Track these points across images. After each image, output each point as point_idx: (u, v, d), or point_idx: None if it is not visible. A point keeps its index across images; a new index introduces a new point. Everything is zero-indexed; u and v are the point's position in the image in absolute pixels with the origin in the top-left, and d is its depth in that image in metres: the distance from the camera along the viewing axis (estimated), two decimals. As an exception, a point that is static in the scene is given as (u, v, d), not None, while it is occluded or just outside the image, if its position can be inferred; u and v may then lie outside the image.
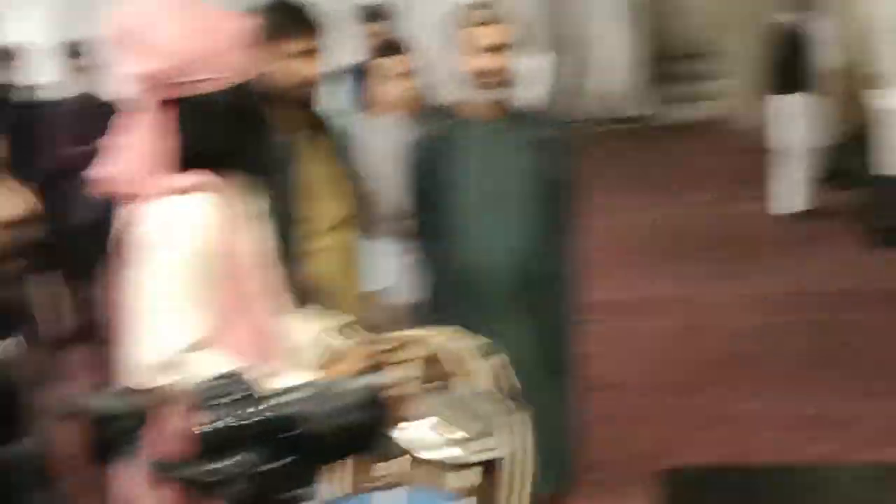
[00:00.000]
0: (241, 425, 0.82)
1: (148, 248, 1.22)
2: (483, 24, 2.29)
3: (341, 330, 1.55)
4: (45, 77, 5.00)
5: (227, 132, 1.29)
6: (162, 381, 1.21)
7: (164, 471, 0.86)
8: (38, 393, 1.13)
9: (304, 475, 0.87)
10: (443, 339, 1.59)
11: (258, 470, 0.81)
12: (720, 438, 3.43)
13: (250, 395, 0.83)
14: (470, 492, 1.39)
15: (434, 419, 1.42)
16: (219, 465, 0.81)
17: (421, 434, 1.38)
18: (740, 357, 4.17)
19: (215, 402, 0.82)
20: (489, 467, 1.40)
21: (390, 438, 0.97)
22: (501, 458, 1.39)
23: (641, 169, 7.53)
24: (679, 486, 2.95)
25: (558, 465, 2.21)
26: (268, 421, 0.82)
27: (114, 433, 0.86)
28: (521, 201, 2.34)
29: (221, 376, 0.87)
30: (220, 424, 0.81)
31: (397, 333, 1.65)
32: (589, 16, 9.75)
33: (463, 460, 1.40)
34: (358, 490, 1.46)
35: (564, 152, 2.52)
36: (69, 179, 3.52)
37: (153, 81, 1.22)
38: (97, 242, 1.89)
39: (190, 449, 0.82)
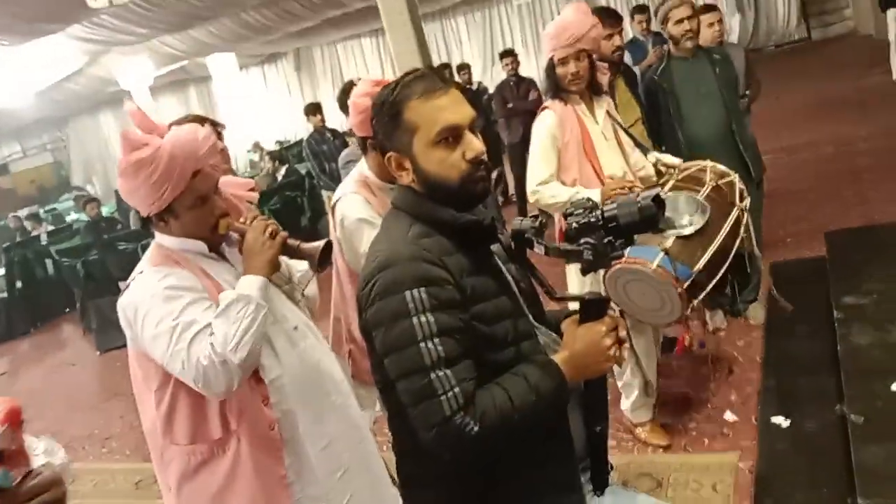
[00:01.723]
0: (589, 222, 1.36)
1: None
2: (677, 6, 3.48)
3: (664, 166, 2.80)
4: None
5: None
6: (533, 198, 2.81)
7: (551, 252, 1.40)
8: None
9: (622, 245, 1.38)
10: (703, 165, 2.69)
11: (600, 243, 1.35)
12: (871, 212, 4.76)
13: (593, 208, 1.38)
14: (665, 250, 2.44)
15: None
16: (577, 244, 1.36)
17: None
18: (872, 169, 5.74)
19: (576, 211, 1.39)
20: (688, 238, 2.49)
21: (661, 224, 1.39)
22: (697, 232, 2.46)
23: (799, 67, 11.38)
24: (841, 242, 4.09)
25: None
26: (601, 219, 1.35)
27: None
28: (714, 96, 3.53)
29: (580, 200, 1.41)
30: (580, 220, 1.37)
31: (685, 164, 2.79)
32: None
33: (669, 232, 2.46)
34: None
35: (746, 65, 4.12)
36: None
37: None
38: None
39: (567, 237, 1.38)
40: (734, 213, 2.53)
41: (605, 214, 1.41)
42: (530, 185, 2.86)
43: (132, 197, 1.76)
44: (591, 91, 2.91)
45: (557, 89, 2.88)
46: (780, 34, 15.45)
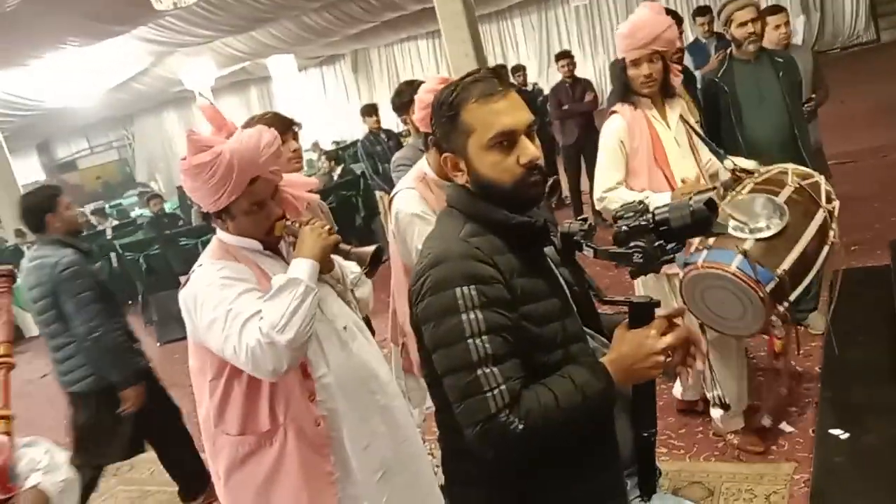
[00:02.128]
0: (640, 225, 1.35)
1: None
2: (740, 8, 3.43)
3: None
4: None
5: None
6: (600, 205, 2.74)
7: (600, 255, 1.40)
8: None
9: (674, 249, 1.36)
10: (783, 167, 2.58)
11: (650, 246, 1.33)
12: None
13: (644, 211, 1.36)
14: (744, 252, 2.31)
15: (738, 212, 2.40)
16: (627, 247, 1.34)
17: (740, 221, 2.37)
18: None
19: (627, 214, 1.37)
20: (768, 240, 2.34)
21: (714, 228, 1.37)
22: (777, 234, 2.34)
23: (867, 70, 11.03)
24: None
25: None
26: (652, 222, 1.34)
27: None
28: (777, 98, 3.46)
29: (630, 203, 1.40)
30: (630, 223, 1.35)
31: (765, 168, 2.66)
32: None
33: (746, 236, 2.35)
34: (694, 251, 2.42)
35: (814, 68, 4.03)
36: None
37: None
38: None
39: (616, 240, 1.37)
40: (820, 215, 2.43)
41: (657, 217, 1.39)
42: (597, 192, 2.82)
43: (194, 195, 1.84)
44: (664, 94, 2.83)
45: (627, 92, 2.80)
46: (846, 35, 14.99)
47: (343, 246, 1.92)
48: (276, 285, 1.76)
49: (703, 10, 6.26)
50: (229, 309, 1.73)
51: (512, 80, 8.29)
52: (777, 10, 4.23)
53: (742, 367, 3.01)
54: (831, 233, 2.43)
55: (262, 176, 1.81)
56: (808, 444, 2.88)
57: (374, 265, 1.95)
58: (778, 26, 4.09)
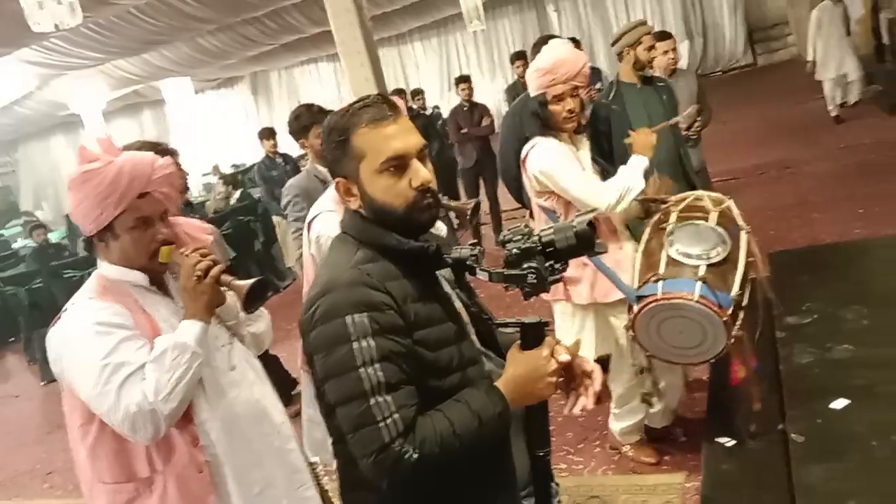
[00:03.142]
0: (529, 247, 1.39)
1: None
2: (648, 33, 3.64)
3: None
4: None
5: None
6: (618, 207, 2.64)
7: (494, 278, 1.41)
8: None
9: (562, 268, 1.41)
10: (697, 194, 2.75)
11: (542, 267, 1.38)
12: (813, 233, 5.03)
13: (530, 234, 1.42)
14: (702, 279, 2.41)
15: (685, 241, 2.47)
16: (520, 268, 1.38)
17: (674, 252, 2.44)
18: (813, 191, 6.21)
19: (515, 237, 1.42)
20: (716, 265, 2.43)
21: (596, 248, 1.44)
22: (722, 260, 2.43)
23: (746, 92, 11.72)
24: (785, 263, 3.95)
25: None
26: (540, 244, 1.40)
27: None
28: (666, 119, 3.46)
29: (515, 227, 1.44)
30: (521, 246, 1.39)
31: (676, 196, 2.77)
32: (712, 11, 15.55)
33: (699, 263, 2.42)
34: (644, 282, 2.51)
35: (699, 92, 4.31)
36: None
37: None
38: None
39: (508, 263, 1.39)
40: (744, 236, 2.57)
41: (544, 239, 1.44)
42: (601, 203, 2.67)
43: (77, 212, 1.73)
44: (577, 129, 2.88)
45: (548, 127, 2.80)
46: (727, 60, 16.03)
47: (225, 277, 1.82)
48: (162, 347, 1.67)
49: (520, 55, 6.68)
50: (105, 363, 1.63)
51: (412, 103, 8.42)
52: (665, 36, 4.46)
53: (678, 391, 3.14)
54: (755, 251, 2.57)
55: (151, 193, 1.74)
56: (698, 452, 2.99)
57: (254, 300, 1.81)
58: (666, 52, 4.32)
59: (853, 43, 8.98)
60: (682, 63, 15.10)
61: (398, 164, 1.41)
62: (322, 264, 1.52)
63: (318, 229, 2.50)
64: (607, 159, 3.56)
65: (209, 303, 1.76)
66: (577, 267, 2.76)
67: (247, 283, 1.79)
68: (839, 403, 2.69)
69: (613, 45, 3.67)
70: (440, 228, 2.72)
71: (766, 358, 3.24)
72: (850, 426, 2.57)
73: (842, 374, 2.87)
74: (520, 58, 6.59)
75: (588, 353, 2.94)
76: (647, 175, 3.32)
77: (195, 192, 14.09)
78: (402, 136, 1.42)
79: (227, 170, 14.05)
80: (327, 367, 1.36)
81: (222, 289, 1.82)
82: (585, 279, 2.80)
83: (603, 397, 3.43)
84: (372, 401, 1.31)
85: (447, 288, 1.53)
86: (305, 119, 3.43)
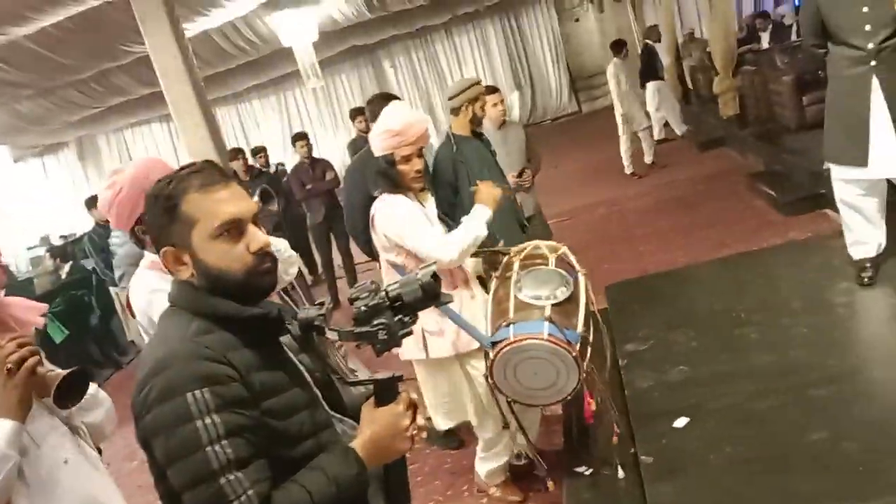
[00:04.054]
0: (377, 303, 1.41)
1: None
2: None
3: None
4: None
5: None
6: (459, 260, 2.71)
7: (344, 337, 1.44)
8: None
9: (411, 322, 1.43)
10: (534, 244, 2.87)
11: (391, 322, 1.40)
12: (641, 264, 5.50)
13: (376, 290, 1.44)
14: (549, 319, 2.50)
15: (531, 284, 2.59)
16: (370, 325, 1.40)
17: (522, 296, 2.57)
18: (639, 225, 6.73)
19: (362, 294, 1.43)
20: (560, 304, 2.56)
21: (442, 299, 1.46)
22: (566, 299, 2.57)
23: (573, 137, 12.43)
24: (620, 294, 4.47)
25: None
26: (387, 299, 1.42)
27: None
28: (496, 168, 3.78)
29: (362, 284, 1.46)
30: (369, 303, 1.41)
31: (515, 248, 2.87)
32: (538, 63, 16.52)
33: (545, 304, 2.53)
34: (496, 328, 2.59)
35: (527, 141, 4.44)
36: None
37: None
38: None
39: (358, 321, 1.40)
40: (581, 277, 2.74)
41: (391, 294, 1.47)
42: (442, 255, 2.69)
43: None
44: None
45: (396, 186, 2.83)
46: (554, 108, 17.18)
47: (40, 369, 1.63)
48: None
49: (359, 110, 6.71)
50: None
51: (254, 161, 8.29)
52: (493, 90, 4.69)
53: (536, 427, 3.19)
54: (590, 290, 2.73)
55: None
56: (561, 485, 3.09)
57: (67, 394, 1.61)
58: (496, 104, 4.52)
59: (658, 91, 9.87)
60: (515, 113, 16.18)
61: (234, 229, 1.38)
62: (153, 341, 1.43)
63: (132, 296, 2.29)
64: (453, 209, 3.69)
65: (21, 399, 1.59)
66: (436, 321, 2.80)
67: (59, 373, 1.62)
68: (680, 422, 2.89)
69: (451, 99, 3.80)
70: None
71: (613, 386, 3.43)
72: (691, 442, 2.76)
73: (679, 394, 3.10)
74: (359, 113, 6.64)
75: (446, 405, 2.99)
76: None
77: (22, 268, 13.00)
78: (235, 201, 1.39)
79: (57, 241, 13.08)
80: (169, 449, 1.28)
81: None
82: (445, 332, 2.85)
83: (467, 441, 3.49)
84: (223, 480, 1.25)
85: (290, 353, 1.50)
86: None
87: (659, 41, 10.59)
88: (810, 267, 4.03)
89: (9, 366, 1.57)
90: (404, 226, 2.82)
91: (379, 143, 2.83)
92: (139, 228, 2.17)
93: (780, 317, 3.51)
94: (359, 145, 7.36)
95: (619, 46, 9.09)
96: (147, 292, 2.15)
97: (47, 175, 18.46)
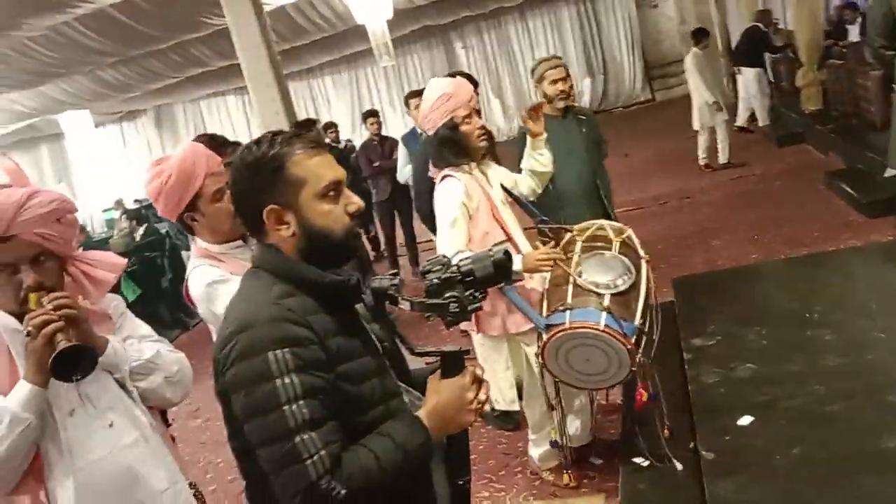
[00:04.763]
0: (449, 276, 1.44)
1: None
2: (553, 67, 3.76)
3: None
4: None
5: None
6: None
7: (416, 307, 1.47)
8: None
9: (482, 297, 1.47)
10: (599, 224, 2.85)
11: (463, 296, 1.43)
12: (712, 258, 5.38)
13: (448, 264, 1.47)
14: (607, 309, 2.50)
15: (589, 271, 2.57)
16: (441, 298, 1.44)
17: (582, 281, 2.54)
18: (711, 219, 6.54)
19: (435, 267, 1.48)
20: (621, 294, 2.55)
21: (513, 276, 1.60)
22: (629, 287, 2.55)
23: (649, 125, 12.28)
24: (687, 287, 4.40)
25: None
26: (459, 273, 1.46)
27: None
28: (581, 152, 3.77)
29: (435, 258, 1.50)
30: (441, 276, 1.45)
31: (579, 225, 2.89)
32: (612, 50, 16.31)
33: (604, 292, 2.52)
34: (552, 311, 2.61)
35: (599, 126, 4.06)
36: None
37: None
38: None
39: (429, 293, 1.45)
40: (644, 265, 2.67)
41: (462, 269, 1.49)
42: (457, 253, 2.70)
43: None
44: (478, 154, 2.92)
45: (461, 150, 2.82)
46: (627, 95, 16.82)
47: (59, 337, 1.55)
48: None
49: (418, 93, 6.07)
50: None
51: (325, 136, 8.39)
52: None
53: (588, 414, 3.20)
54: (651, 279, 2.67)
55: (17, 236, 1.62)
56: (615, 474, 3.06)
57: (64, 368, 1.54)
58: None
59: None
60: (586, 99, 15.95)
61: (335, 191, 1.44)
62: (236, 299, 1.47)
63: (191, 287, 2.22)
64: None
65: (38, 363, 1.56)
66: (488, 299, 2.78)
67: (62, 347, 1.55)
68: (745, 420, 2.82)
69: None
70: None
71: (675, 379, 3.37)
72: (755, 441, 2.70)
73: (746, 391, 3.02)
74: (416, 96, 5.99)
75: (503, 382, 2.99)
76: (566, 202, 3.44)
77: (97, 230, 13.51)
78: (334, 165, 1.46)
79: (131, 205, 13.55)
80: (248, 405, 1.32)
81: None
82: (497, 311, 2.86)
83: (522, 424, 3.48)
84: (297, 439, 1.28)
85: (363, 322, 1.52)
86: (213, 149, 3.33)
87: (769, 27, 10.15)
88: (890, 269, 3.87)
89: (29, 328, 1.56)
90: (439, 209, 2.87)
91: (436, 116, 2.83)
92: (189, 215, 2.16)
93: (856, 319, 3.39)
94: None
95: (700, 35, 8.80)
96: (204, 285, 2.12)
97: (125, 141, 19.13)
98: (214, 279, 2.10)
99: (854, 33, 10.41)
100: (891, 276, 3.81)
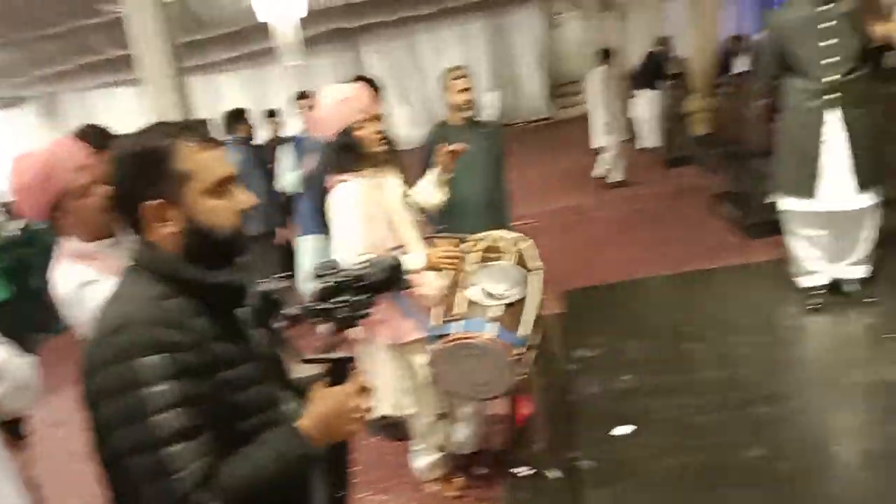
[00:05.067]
0: (340, 281, 1.43)
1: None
2: (458, 77, 3.75)
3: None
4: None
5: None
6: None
7: (304, 312, 1.44)
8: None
9: (371, 303, 1.45)
10: (496, 235, 2.82)
11: (353, 300, 1.42)
12: (601, 272, 5.41)
13: (339, 268, 1.45)
14: (497, 320, 2.51)
15: (484, 280, 2.56)
16: (331, 302, 1.42)
17: (473, 292, 2.54)
18: (602, 235, 6.76)
19: (325, 272, 1.45)
20: (512, 305, 2.52)
21: (404, 282, 1.52)
22: (520, 299, 2.53)
23: (548, 142, 12.50)
24: (576, 300, 4.60)
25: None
26: (351, 277, 1.44)
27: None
28: (484, 163, 3.80)
29: (325, 262, 1.48)
30: (332, 280, 1.43)
31: (476, 235, 2.82)
32: (517, 66, 16.62)
33: (494, 303, 2.52)
34: (443, 321, 2.58)
35: (502, 138, 4.04)
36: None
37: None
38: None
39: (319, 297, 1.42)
40: (537, 278, 2.68)
41: (354, 273, 1.47)
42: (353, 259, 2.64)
43: None
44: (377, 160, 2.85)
45: (359, 156, 2.76)
46: (530, 111, 17.27)
47: None
48: None
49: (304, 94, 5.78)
50: None
51: (236, 128, 8.14)
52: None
53: (474, 416, 3.18)
54: (543, 290, 2.69)
55: None
56: (499, 484, 3.10)
57: None
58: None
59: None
60: (491, 112, 16.20)
61: (225, 187, 1.38)
62: (110, 300, 1.38)
63: (56, 289, 2.10)
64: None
65: None
66: (380, 307, 2.76)
67: None
68: (623, 430, 2.93)
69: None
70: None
71: (559, 390, 3.46)
72: (632, 451, 2.80)
73: (625, 402, 3.14)
74: (304, 97, 5.70)
75: (393, 391, 2.98)
76: (467, 213, 3.50)
77: (-28, 221, 12.58)
78: (224, 161, 1.40)
79: (6, 198, 12.73)
80: (117, 413, 1.24)
81: None
82: (389, 319, 2.83)
83: (410, 433, 3.47)
84: (169, 449, 1.22)
85: (247, 325, 1.49)
86: (95, 142, 3.16)
87: (668, 52, 10.67)
88: (762, 289, 4.12)
89: None
90: (334, 219, 2.78)
91: (333, 121, 2.77)
92: (56, 214, 2.04)
93: (728, 335, 3.58)
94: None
95: (606, 55, 9.12)
96: (76, 287, 2.00)
97: (4, 129, 17.98)
98: (85, 280, 1.98)
99: (741, 64, 11.06)
100: (763, 295, 4.05)
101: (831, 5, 3.30)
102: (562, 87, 17.11)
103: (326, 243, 3.13)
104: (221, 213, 1.37)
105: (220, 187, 1.37)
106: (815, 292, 3.67)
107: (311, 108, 4.94)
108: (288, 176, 5.28)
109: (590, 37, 14.59)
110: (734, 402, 2.96)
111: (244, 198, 1.41)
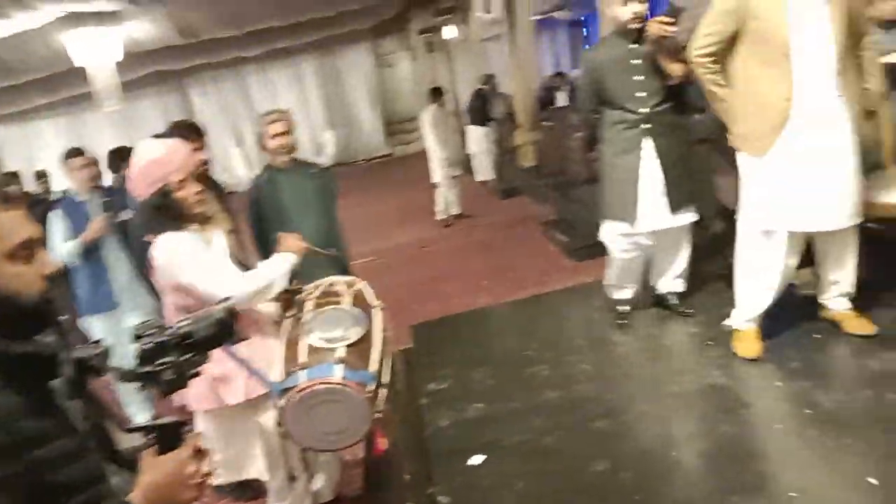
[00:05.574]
0: (164, 340, 1.34)
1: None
2: (272, 122, 3.73)
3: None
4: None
5: None
6: (256, 301, 2.55)
7: (125, 378, 1.35)
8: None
9: (201, 360, 1.38)
10: (329, 280, 2.81)
11: (179, 361, 1.34)
12: (446, 304, 5.64)
13: (163, 326, 1.36)
14: (342, 360, 2.43)
15: (318, 328, 2.50)
16: (154, 364, 1.32)
17: (313, 339, 2.47)
18: (445, 267, 7.01)
19: (148, 331, 1.35)
20: (354, 344, 2.47)
21: (235, 336, 1.44)
22: (362, 337, 2.49)
23: (388, 178, 12.65)
24: (423, 333, 4.62)
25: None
26: (177, 336, 1.35)
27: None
28: (316, 203, 3.78)
29: (147, 321, 1.40)
30: (155, 340, 1.33)
31: (310, 285, 2.77)
32: (352, 105, 16.69)
33: (336, 346, 2.45)
34: (287, 374, 2.46)
35: (333, 178, 4.09)
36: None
37: None
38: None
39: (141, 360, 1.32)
40: (377, 313, 2.66)
41: (180, 331, 1.39)
42: (236, 292, 2.43)
43: None
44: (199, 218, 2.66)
45: (179, 220, 2.56)
46: (368, 149, 17.44)
47: None
48: None
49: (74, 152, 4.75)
50: None
51: (36, 186, 7.57)
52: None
53: (337, 468, 3.13)
54: (388, 327, 2.69)
55: None
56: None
57: None
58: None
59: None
60: (328, 151, 16.13)
61: (29, 251, 1.29)
62: None
63: None
64: (261, 244, 3.58)
65: None
66: (223, 366, 2.63)
67: None
68: (476, 459, 2.98)
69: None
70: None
71: (414, 425, 3.48)
72: (485, 480, 2.86)
73: (475, 431, 3.21)
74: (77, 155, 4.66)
75: (245, 452, 2.84)
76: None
77: None
78: (28, 223, 1.31)
79: None
80: None
81: None
82: (237, 377, 2.69)
83: (262, 492, 3.34)
84: None
85: (61, 397, 1.38)
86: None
87: (494, 89, 11.19)
88: (592, 308, 4.36)
89: None
90: (174, 262, 2.52)
91: (147, 182, 2.55)
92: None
93: (567, 355, 3.77)
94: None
95: (436, 94, 9.40)
96: None
97: None
98: None
99: (561, 99, 11.81)
100: (593, 314, 4.29)
101: (638, 45, 3.61)
102: (399, 125, 17.48)
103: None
104: (24, 278, 1.28)
105: (23, 250, 1.29)
106: (622, 306, 4.03)
107: (84, 166, 4.46)
108: (60, 247, 4.32)
109: (420, 76, 15.01)
110: (576, 420, 3.11)
111: (51, 262, 1.34)
